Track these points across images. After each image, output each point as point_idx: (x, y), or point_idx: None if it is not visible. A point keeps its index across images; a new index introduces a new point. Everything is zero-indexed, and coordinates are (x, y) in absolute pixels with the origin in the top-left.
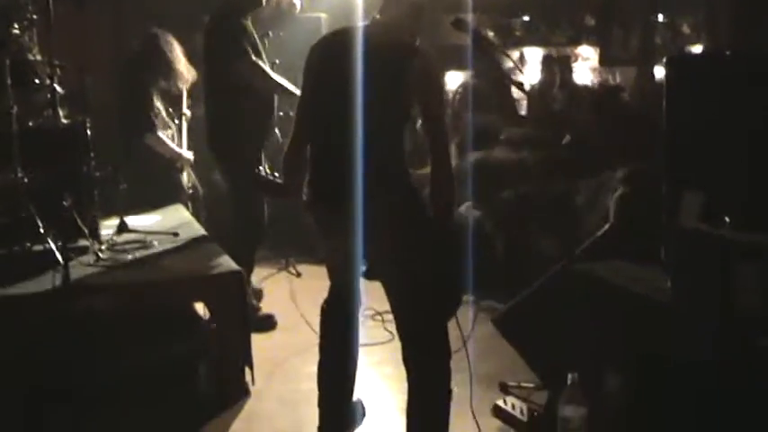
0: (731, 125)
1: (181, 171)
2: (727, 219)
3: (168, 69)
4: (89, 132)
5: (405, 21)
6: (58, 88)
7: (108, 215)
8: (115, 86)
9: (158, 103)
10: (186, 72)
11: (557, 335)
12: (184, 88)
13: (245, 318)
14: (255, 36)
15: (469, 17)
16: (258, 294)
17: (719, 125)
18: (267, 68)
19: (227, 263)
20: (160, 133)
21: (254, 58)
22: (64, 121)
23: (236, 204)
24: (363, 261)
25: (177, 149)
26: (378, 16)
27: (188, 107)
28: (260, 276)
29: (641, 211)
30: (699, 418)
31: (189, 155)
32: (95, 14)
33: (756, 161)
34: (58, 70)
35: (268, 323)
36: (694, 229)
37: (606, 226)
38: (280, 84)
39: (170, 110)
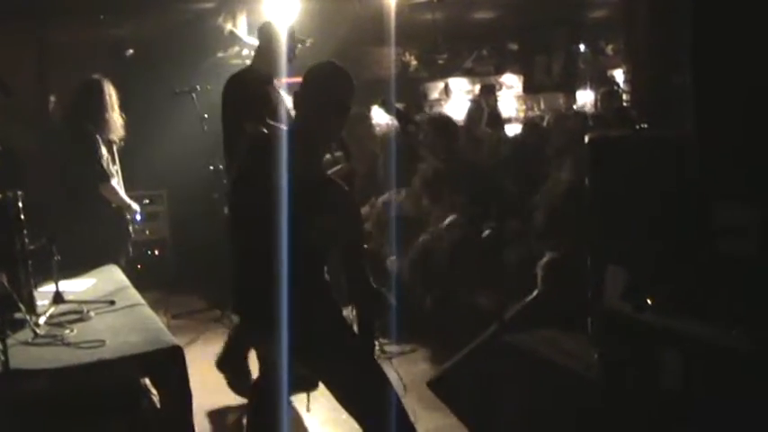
0: (650, 202)
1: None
2: (649, 301)
3: (102, 118)
4: (21, 206)
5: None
6: None
7: (43, 280)
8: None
9: (104, 152)
10: (117, 122)
11: (490, 401)
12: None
13: (187, 394)
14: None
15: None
16: None
17: (640, 201)
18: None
19: (166, 337)
20: (114, 182)
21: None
22: None
23: None
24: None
25: (127, 199)
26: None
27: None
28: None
29: (569, 277)
30: None
31: (135, 205)
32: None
33: (673, 238)
34: None
35: None
36: (618, 310)
37: (534, 292)
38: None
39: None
